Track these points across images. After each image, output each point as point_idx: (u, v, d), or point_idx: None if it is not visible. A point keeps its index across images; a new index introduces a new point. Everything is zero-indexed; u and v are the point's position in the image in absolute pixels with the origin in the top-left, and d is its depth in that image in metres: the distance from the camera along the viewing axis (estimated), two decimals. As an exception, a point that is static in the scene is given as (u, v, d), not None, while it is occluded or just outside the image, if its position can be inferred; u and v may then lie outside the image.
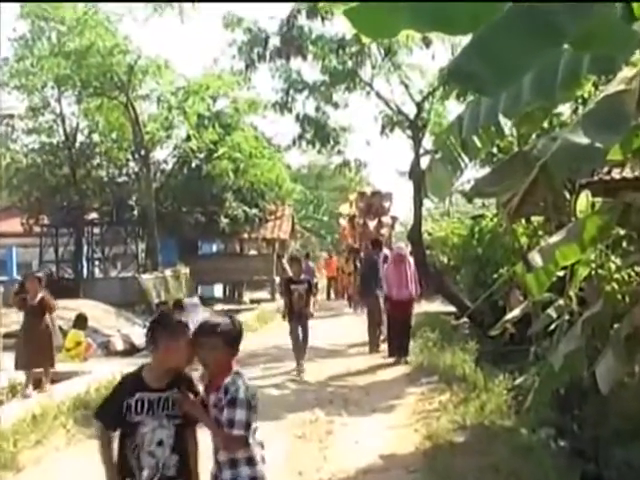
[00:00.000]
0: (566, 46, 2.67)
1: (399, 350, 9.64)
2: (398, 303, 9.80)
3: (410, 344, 9.86)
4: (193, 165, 21.91)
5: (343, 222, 20.88)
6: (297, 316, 8.98)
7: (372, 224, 18.55)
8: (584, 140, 3.23)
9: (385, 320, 10.51)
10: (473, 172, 10.92)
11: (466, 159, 5.00)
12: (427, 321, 12.34)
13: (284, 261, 23.48)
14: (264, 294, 24.85)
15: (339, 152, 15.92)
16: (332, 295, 22.91)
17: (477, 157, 5.73)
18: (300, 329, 9.04)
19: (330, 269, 23.44)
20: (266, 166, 21.64)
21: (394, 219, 19.82)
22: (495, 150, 8.37)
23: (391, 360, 9.70)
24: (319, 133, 14.80)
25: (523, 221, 8.67)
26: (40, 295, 7.62)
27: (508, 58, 2.36)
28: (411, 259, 10.48)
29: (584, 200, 4.51)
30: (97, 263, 22.80)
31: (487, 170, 9.35)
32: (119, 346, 11.69)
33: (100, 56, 17.21)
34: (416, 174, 12.48)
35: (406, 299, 9.86)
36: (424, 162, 13.41)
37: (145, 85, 19.01)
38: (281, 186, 23.19)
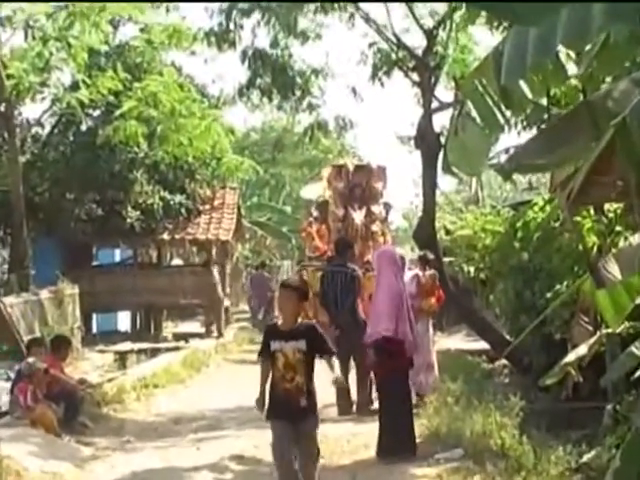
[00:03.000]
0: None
1: (394, 444, 8.41)
2: (386, 353, 8.48)
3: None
4: (83, 128, 21.71)
5: (314, 212, 20.55)
6: (284, 411, 6.34)
7: (358, 216, 18.10)
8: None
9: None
10: (511, 137, 10.97)
11: (508, 115, 5.00)
12: (446, 364, 12.42)
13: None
14: (195, 326, 24.70)
15: (310, 107, 15.88)
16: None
17: (525, 111, 5.80)
18: (294, 440, 6.35)
19: None
20: (196, 129, 21.43)
21: (388, 208, 19.50)
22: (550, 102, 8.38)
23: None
24: (278, 78, 14.81)
25: (591, 210, 8.71)
26: None
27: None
28: (414, 272, 10.46)
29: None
30: None
31: (535, 133, 9.40)
32: (-33, 409, 11.47)
33: None
34: (427, 139, 12.52)
35: (402, 347, 8.57)
36: (438, 121, 13.47)
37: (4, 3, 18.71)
38: (220, 160, 23.07)
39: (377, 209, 18.24)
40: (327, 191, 19.02)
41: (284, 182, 42.34)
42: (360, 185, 18.31)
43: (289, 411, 6.31)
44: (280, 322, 6.72)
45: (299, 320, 6.60)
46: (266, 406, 6.38)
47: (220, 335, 22.08)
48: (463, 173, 7.61)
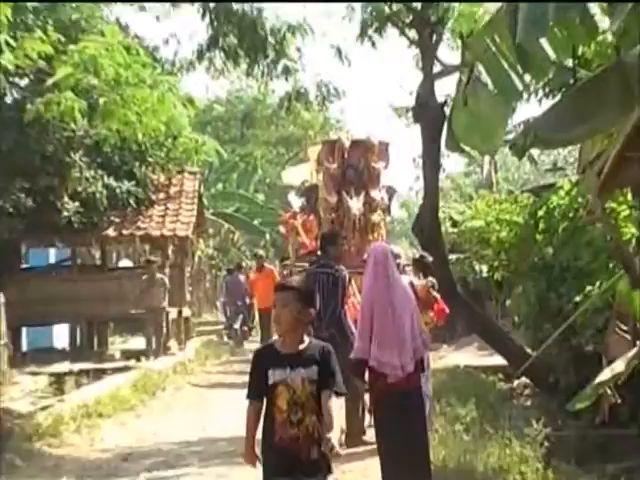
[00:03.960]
0: None
1: None
2: (363, 377, 8.15)
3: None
4: (8, 101, 21.68)
5: (295, 201, 20.39)
6: (289, 467, 5.45)
7: (354, 204, 17.88)
8: None
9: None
10: (531, 106, 10.89)
11: (527, 79, 5.15)
12: (454, 384, 12.68)
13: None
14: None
15: (286, 72, 15.82)
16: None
17: (547, 74, 5.85)
18: None
19: (262, 290, 22.74)
20: (147, 101, 21.32)
21: (391, 192, 19.40)
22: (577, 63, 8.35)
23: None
24: (246, 37, 14.82)
25: (628, 195, 8.68)
26: None
27: None
28: (408, 277, 10.39)
29: None
30: None
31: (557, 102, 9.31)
32: None
33: None
34: (429, 110, 12.46)
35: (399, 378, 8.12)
36: (442, 88, 13.38)
37: None
38: (176, 139, 23.09)
39: (378, 195, 18.02)
40: (315, 174, 18.90)
41: (255, 165, 42.36)
42: (357, 165, 17.99)
43: (296, 466, 5.38)
44: (278, 342, 5.64)
45: (306, 338, 5.60)
46: (260, 460, 5.43)
47: (159, 353, 21.60)
48: (473, 151, 7.53)
